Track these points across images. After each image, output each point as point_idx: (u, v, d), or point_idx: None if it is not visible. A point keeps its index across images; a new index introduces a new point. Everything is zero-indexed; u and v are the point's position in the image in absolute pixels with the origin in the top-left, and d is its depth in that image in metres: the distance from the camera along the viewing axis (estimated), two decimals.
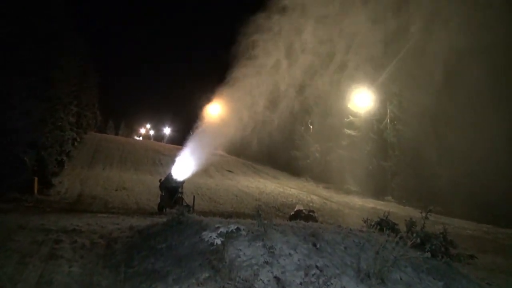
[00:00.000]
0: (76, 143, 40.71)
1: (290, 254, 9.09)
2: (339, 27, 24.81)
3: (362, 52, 29.52)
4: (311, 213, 21.80)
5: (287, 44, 24.21)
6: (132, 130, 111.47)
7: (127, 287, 9.20)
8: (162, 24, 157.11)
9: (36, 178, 23.53)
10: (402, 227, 11.84)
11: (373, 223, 11.86)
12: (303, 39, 24.52)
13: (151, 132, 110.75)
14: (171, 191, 22.08)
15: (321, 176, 44.96)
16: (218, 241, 8.55)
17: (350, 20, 24.88)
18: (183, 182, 22.64)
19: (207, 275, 8.45)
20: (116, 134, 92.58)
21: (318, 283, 8.25)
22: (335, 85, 33.87)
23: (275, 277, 8.35)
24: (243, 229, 9.29)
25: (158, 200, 23.15)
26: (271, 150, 49.98)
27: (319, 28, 24.15)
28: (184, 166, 22.38)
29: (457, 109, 31.76)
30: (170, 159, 39.87)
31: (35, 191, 23.30)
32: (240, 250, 9.07)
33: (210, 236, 8.61)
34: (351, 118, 42.15)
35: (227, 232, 8.77)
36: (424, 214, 10.80)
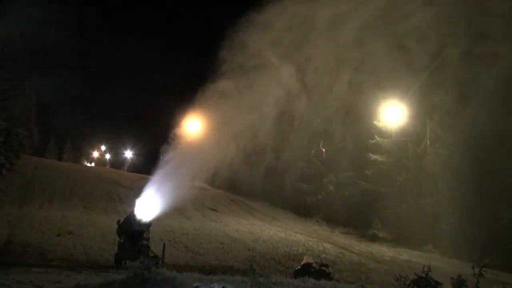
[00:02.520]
0: (4, 171, 40.47)
1: None
2: (362, 18, 25.27)
3: (392, 52, 29.94)
4: (323, 268, 21.65)
5: (292, 43, 24.62)
6: (81, 153, 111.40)
7: None
8: (124, 21, 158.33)
9: None
10: None
11: (408, 282, 11.79)
12: (316, 35, 24.96)
13: (107, 157, 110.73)
14: (133, 237, 21.88)
15: (337, 217, 44.84)
16: None
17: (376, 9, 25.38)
18: (149, 224, 22.46)
19: None
20: (60, 158, 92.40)
21: None
22: (356, 95, 34.17)
23: None
24: None
25: (116, 249, 22.93)
26: (270, 181, 49.93)
27: (336, 22, 24.62)
28: (151, 202, 22.26)
29: None
30: (132, 193, 39.63)
31: None
32: None
33: None
34: (378, 138, 42.32)
35: None
36: (477, 270, 10.76)
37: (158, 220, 23.36)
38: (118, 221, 23.44)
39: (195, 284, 9.04)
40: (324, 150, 49.70)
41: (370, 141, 42.65)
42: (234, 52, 24.04)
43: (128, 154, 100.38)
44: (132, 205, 23.84)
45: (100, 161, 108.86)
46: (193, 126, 26.32)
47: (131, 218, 22.57)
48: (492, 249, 30.09)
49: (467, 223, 35.16)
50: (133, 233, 21.98)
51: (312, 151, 50.25)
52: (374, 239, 39.45)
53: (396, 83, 37.42)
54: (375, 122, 42.19)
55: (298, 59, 25.53)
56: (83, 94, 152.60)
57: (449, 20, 29.27)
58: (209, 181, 52.05)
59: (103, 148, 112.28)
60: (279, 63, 24.73)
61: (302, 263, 22.51)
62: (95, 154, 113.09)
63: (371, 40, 27.67)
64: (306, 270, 20.74)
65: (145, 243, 21.95)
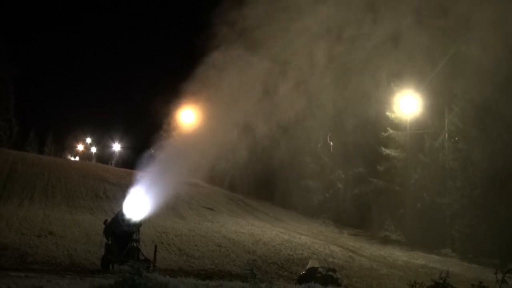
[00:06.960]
0: None
1: None
2: None
3: (406, 34, 29.68)
4: (330, 273, 21.68)
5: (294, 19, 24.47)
6: (64, 146, 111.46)
7: None
8: (111, 8, 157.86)
9: None
10: None
11: None
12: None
13: (93, 150, 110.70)
14: (122, 238, 21.88)
15: (346, 218, 44.91)
16: None
17: None
18: (139, 225, 22.46)
19: None
20: (41, 152, 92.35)
21: None
22: (367, 83, 34.02)
23: None
24: None
25: (102, 251, 22.95)
26: (272, 178, 49.86)
27: None
28: (141, 200, 22.26)
29: None
30: (121, 191, 39.64)
31: None
32: None
33: None
34: (391, 131, 42.24)
35: None
36: (500, 276, 10.76)
37: (149, 220, 23.38)
38: (105, 221, 23.44)
39: None
40: (332, 143, 49.53)
41: (382, 134, 42.55)
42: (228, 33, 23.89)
43: (116, 147, 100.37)
44: (120, 203, 23.83)
45: (85, 155, 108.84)
46: (187, 116, 26.22)
47: (119, 217, 22.53)
48: None
49: (489, 225, 35.18)
50: (121, 234, 21.96)
51: (319, 145, 50.08)
52: (386, 241, 39.50)
53: (412, 69, 37.19)
54: (388, 113, 42.05)
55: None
56: (68, 83, 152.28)
57: None
58: (205, 177, 51.91)
59: (88, 140, 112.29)
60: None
61: (307, 267, 22.56)
62: (80, 147, 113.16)
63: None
64: (311, 276, 20.74)
65: (135, 245, 21.94)
